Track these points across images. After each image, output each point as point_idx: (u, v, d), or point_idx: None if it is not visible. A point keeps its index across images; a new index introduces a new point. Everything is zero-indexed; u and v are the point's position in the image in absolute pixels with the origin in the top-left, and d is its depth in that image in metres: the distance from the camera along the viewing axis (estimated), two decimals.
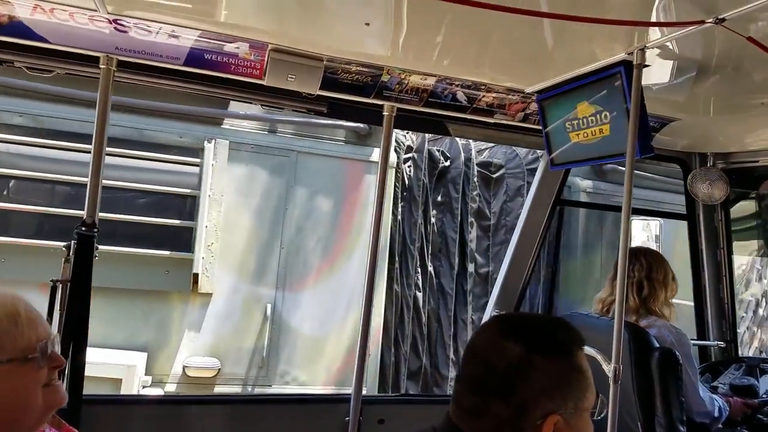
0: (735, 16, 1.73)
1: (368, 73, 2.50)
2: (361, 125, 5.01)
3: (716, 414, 2.77)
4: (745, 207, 4.02)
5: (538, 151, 3.39)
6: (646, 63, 2.12)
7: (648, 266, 2.86)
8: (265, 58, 2.36)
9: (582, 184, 5.31)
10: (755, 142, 3.30)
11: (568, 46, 2.23)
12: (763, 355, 3.55)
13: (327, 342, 5.14)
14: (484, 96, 2.68)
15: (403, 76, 2.53)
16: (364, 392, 2.92)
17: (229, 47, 2.33)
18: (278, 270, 4.99)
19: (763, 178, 3.79)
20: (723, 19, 1.75)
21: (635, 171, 2.13)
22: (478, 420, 1.04)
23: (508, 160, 5.72)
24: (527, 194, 3.52)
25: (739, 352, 3.77)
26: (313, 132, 5.12)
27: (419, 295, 5.55)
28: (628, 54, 2.11)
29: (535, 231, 3.38)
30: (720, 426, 2.79)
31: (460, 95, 2.66)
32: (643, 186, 5.09)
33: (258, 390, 4.89)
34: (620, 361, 2.14)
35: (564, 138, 2.61)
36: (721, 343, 3.79)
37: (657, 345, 2.65)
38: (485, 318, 3.52)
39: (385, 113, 2.74)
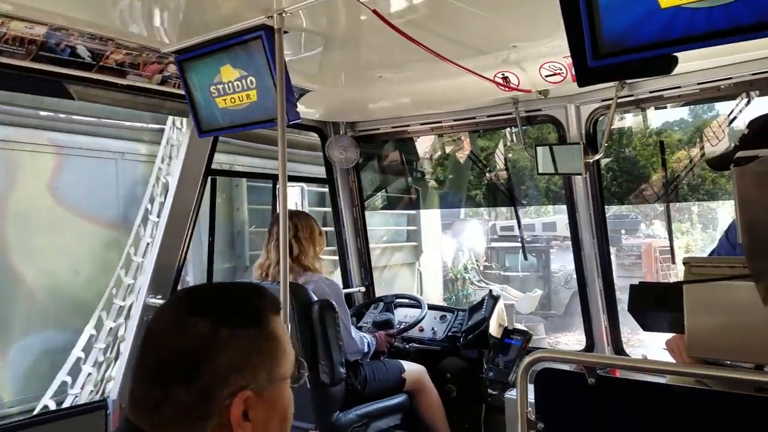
0: None
1: None
2: None
3: (366, 349, 3.17)
4: (373, 169, 4.65)
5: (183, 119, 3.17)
6: (286, 30, 2.15)
7: (294, 227, 3.04)
8: None
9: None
10: (375, 111, 3.78)
11: (207, 3, 2.10)
12: (395, 293, 4.23)
13: None
14: (112, 53, 2.33)
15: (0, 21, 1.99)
16: None
17: None
18: None
19: (384, 143, 4.45)
20: None
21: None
22: (157, 413, 0.88)
23: None
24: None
25: (376, 294, 4.38)
26: None
27: None
28: (268, 17, 2.10)
29: (187, 206, 3.20)
30: (368, 360, 3.22)
31: (82, 50, 2.24)
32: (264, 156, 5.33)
33: None
34: (287, 320, 2.20)
35: (210, 103, 2.49)
36: (362, 288, 4.37)
37: (315, 298, 2.86)
38: (138, 309, 3.19)
39: None
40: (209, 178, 3.29)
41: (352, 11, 2.15)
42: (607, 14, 1.35)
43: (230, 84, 2.40)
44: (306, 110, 3.57)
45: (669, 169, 3.42)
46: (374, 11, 2.02)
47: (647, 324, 1.34)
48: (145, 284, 3.16)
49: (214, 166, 3.30)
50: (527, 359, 1.23)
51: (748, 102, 2.68)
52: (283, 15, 2.10)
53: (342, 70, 3.04)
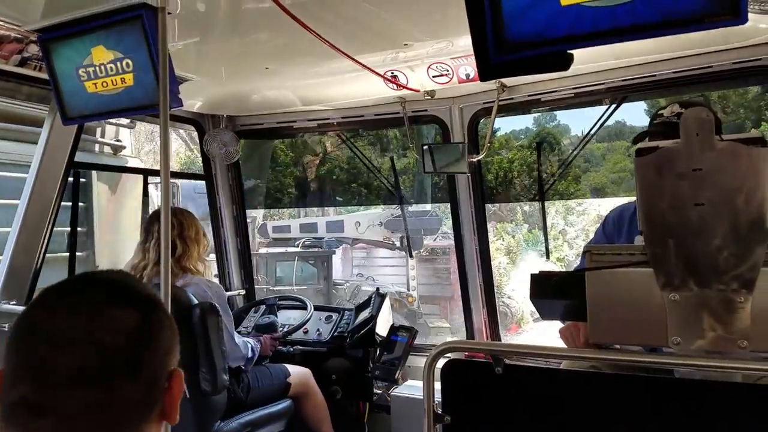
0: None
1: None
2: None
3: (250, 354, 3.04)
4: (253, 165, 4.49)
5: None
6: (170, 12, 2.00)
7: (180, 225, 2.84)
8: None
9: None
10: (260, 105, 3.65)
11: None
12: (278, 294, 4.11)
13: None
14: None
15: None
16: None
17: None
18: None
19: (267, 137, 4.31)
20: None
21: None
22: (99, 416, 0.80)
23: None
24: None
25: (256, 297, 4.24)
26: None
27: None
28: None
29: (46, 201, 2.85)
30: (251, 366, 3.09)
31: None
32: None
33: None
34: None
35: (78, 87, 2.24)
36: (242, 291, 4.21)
37: (196, 301, 2.68)
38: None
39: None
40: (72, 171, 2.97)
41: None
42: (510, 11, 1.40)
43: (102, 66, 2.18)
44: (183, 101, 3.34)
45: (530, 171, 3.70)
46: None
47: (545, 312, 1.42)
48: None
49: None
50: (436, 350, 1.24)
51: (617, 107, 2.98)
52: None
53: (226, 59, 2.88)
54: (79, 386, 0.80)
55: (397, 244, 12.55)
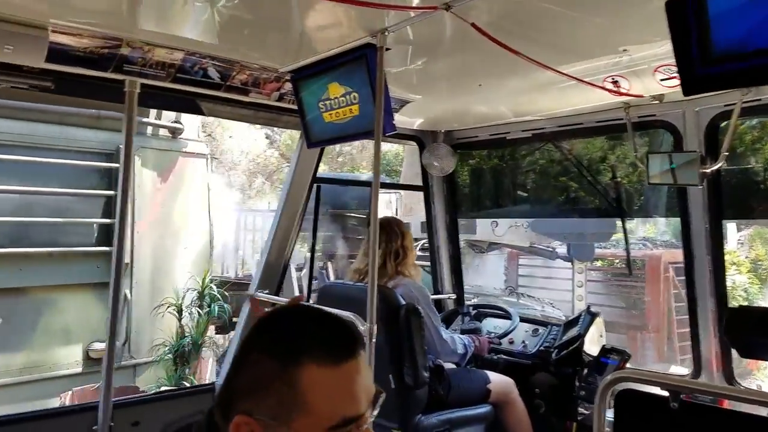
0: (461, 4, 1.95)
1: (105, 45, 2.21)
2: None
3: (461, 350, 3.21)
4: (466, 177, 4.70)
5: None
6: (388, 47, 2.29)
7: (402, 235, 3.19)
8: None
9: None
10: (474, 119, 3.82)
11: (318, 28, 2.29)
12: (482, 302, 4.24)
13: None
14: (237, 73, 2.61)
15: (146, 49, 2.31)
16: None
17: None
18: None
19: (481, 148, 4.48)
20: (450, 6, 1.95)
21: None
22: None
23: None
24: None
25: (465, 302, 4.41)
26: None
27: None
28: (373, 36, 2.26)
29: (295, 209, 3.45)
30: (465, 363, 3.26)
31: (212, 72, 2.55)
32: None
33: None
34: (374, 321, 2.33)
35: (318, 118, 2.70)
36: (453, 295, 4.42)
37: (403, 302, 2.97)
38: (247, 298, 3.48)
39: (126, 89, 2.46)
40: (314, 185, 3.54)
41: (452, 26, 2.22)
42: (719, 20, 1.30)
43: (336, 99, 2.59)
44: (406, 120, 3.70)
45: None
46: (473, 25, 2.07)
47: (745, 350, 1.30)
48: (255, 280, 3.45)
49: None
50: (608, 378, 1.25)
51: None
52: (386, 34, 2.24)
53: (442, 81, 3.12)
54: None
55: (560, 251, 10.07)
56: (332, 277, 7.67)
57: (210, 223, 6.76)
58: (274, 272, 3.44)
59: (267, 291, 3.40)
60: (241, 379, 0.93)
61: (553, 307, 9.45)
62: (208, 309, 6.50)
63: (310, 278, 4.14)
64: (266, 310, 3.37)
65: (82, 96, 2.69)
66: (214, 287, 6.67)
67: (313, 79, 2.63)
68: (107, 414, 2.55)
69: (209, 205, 6.70)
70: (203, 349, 6.53)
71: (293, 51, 2.52)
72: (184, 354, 6.13)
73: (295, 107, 2.83)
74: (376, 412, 0.95)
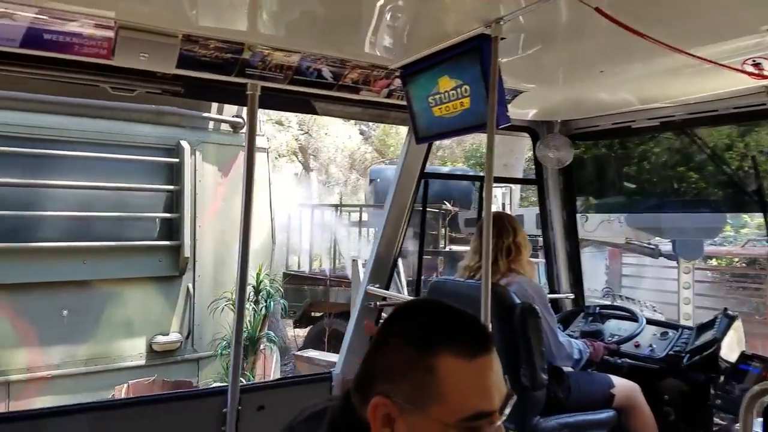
0: None
1: (228, 50, 2.35)
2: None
3: (576, 356, 3.07)
4: (585, 169, 4.45)
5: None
6: (503, 37, 2.21)
7: (514, 231, 3.09)
8: (113, 36, 2.14)
9: None
10: (595, 107, 3.59)
11: (428, 22, 2.26)
12: (603, 302, 4.00)
13: None
14: (349, 72, 2.65)
15: (266, 53, 2.42)
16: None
17: (71, 26, 2.07)
18: None
19: (602, 139, 4.22)
20: None
21: None
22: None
23: None
24: None
25: (585, 302, 4.18)
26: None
27: None
28: (486, 27, 2.18)
29: (403, 204, 3.46)
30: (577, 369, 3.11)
31: (326, 72, 2.61)
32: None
33: None
34: (488, 319, 2.27)
35: (427, 112, 2.67)
36: (571, 295, 4.21)
37: (518, 301, 2.87)
38: (360, 292, 3.54)
39: (248, 92, 2.61)
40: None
41: (572, 11, 2.10)
42: None
43: (446, 93, 2.54)
44: (518, 111, 3.57)
45: None
46: (597, 9, 1.95)
47: None
48: (367, 273, 3.51)
49: None
50: (756, 388, 1.11)
51: None
52: (501, 23, 2.16)
53: (558, 68, 2.97)
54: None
55: (664, 248, 9.07)
56: (402, 275, 7.43)
57: (271, 218, 6.66)
58: (384, 267, 3.48)
59: (377, 285, 3.45)
60: (379, 363, 0.98)
61: (655, 311, 8.77)
62: (264, 304, 6.39)
63: (419, 273, 4.14)
64: (378, 303, 3.45)
65: (207, 99, 2.90)
66: (267, 282, 6.52)
67: (423, 73, 2.60)
68: (235, 398, 2.74)
69: (270, 199, 6.60)
70: (262, 344, 6.44)
71: (403, 47, 2.51)
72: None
73: (403, 102, 2.82)
74: (507, 411, 0.95)
